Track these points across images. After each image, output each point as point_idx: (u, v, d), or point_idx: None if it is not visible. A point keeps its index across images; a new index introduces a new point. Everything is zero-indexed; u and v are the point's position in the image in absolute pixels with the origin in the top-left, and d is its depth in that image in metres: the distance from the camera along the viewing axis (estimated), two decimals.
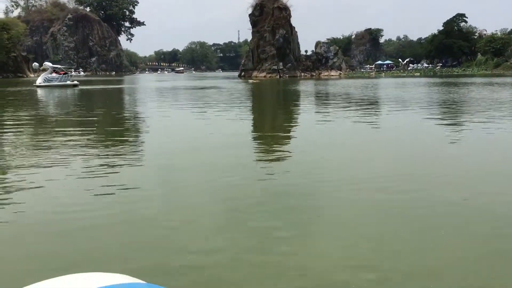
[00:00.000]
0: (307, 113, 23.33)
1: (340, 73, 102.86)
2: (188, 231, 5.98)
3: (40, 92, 45.82)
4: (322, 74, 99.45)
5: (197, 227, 6.14)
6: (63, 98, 37.72)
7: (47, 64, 60.79)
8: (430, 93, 36.61)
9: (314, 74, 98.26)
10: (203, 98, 34.65)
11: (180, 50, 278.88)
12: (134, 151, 12.00)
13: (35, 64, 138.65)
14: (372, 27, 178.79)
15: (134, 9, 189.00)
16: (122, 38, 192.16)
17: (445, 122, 17.88)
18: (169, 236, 5.83)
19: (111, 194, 7.77)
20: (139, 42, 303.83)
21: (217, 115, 21.04)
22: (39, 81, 55.51)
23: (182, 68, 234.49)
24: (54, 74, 56.56)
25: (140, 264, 4.97)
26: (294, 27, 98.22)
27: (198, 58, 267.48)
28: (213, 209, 6.91)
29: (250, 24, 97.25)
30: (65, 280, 0.63)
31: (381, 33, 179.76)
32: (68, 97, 38.43)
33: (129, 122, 19.64)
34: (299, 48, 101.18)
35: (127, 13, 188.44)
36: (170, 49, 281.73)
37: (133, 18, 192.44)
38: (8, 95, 41.00)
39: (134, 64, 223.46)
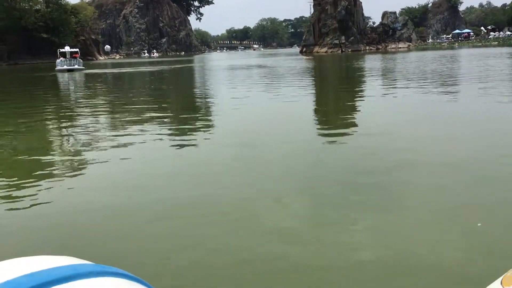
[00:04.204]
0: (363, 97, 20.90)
1: (409, 45, 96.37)
2: (266, 208, 6.02)
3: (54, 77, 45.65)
4: (389, 46, 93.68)
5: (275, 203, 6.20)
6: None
7: (65, 48, 58.97)
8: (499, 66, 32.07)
9: (380, 47, 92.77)
10: (236, 80, 32.75)
11: (251, 27, 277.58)
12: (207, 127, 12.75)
13: (107, 47, 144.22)
14: None
15: None
16: (192, 18, 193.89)
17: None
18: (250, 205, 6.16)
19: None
20: (211, 21, 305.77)
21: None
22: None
23: (257, 46, 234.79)
24: (59, 59, 55.01)
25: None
26: None
27: (268, 34, 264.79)
28: (291, 190, 6.79)
29: None
30: (1, 265, 0.60)
31: (460, 0, 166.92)
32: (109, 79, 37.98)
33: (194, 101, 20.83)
34: (363, 20, 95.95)
35: None
36: (241, 27, 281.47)
37: None
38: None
39: (206, 43, 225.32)
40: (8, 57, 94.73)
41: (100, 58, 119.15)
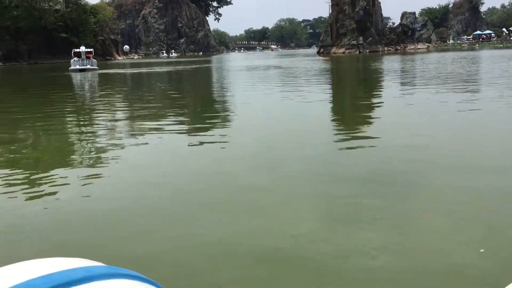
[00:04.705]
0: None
1: (429, 46, 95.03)
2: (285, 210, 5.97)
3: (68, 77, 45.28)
4: (408, 47, 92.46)
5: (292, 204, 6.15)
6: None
7: (81, 48, 58.26)
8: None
9: (399, 48, 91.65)
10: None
11: (270, 27, 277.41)
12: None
13: (126, 47, 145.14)
14: None
15: None
16: (210, 18, 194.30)
17: None
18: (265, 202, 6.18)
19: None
20: (230, 22, 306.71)
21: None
22: None
23: (275, 47, 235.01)
24: (73, 59, 54.74)
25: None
26: None
27: (287, 35, 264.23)
28: (304, 192, 6.68)
29: None
30: (17, 267, 0.65)
31: (482, 1, 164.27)
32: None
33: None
34: (382, 20, 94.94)
35: None
36: (259, 27, 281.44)
37: None
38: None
39: (224, 43, 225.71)
40: (28, 57, 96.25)
41: (119, 58, 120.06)
